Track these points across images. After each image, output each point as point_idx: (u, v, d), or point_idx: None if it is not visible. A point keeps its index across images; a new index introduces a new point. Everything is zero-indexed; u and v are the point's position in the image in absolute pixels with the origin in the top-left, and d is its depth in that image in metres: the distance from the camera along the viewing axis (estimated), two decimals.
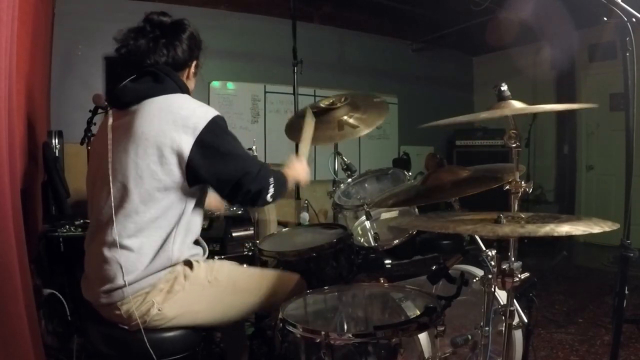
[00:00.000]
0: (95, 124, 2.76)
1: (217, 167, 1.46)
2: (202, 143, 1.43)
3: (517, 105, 1.25)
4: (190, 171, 1.44)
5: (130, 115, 1.47)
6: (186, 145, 1.41)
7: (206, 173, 1.45)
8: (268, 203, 1.56)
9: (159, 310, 1.44)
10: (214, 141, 1.44)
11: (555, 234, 1.02)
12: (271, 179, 1.56)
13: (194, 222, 1.56)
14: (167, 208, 1.45)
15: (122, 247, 1.41)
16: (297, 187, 3.57)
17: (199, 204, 1.56)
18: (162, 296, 1.46)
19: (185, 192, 1.47)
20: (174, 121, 1.42)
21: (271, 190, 1.55)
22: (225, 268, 1.64)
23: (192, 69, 1.62)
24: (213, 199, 1.93)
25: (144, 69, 1.51)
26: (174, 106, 1.46)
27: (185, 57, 1.56)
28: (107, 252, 1.42)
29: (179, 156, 1.42)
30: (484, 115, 1.26)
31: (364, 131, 2.20)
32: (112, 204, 1.44)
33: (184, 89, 1.55)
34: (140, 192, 1.42)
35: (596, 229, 1.05)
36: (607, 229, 1.07)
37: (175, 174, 1.43)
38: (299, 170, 1.81)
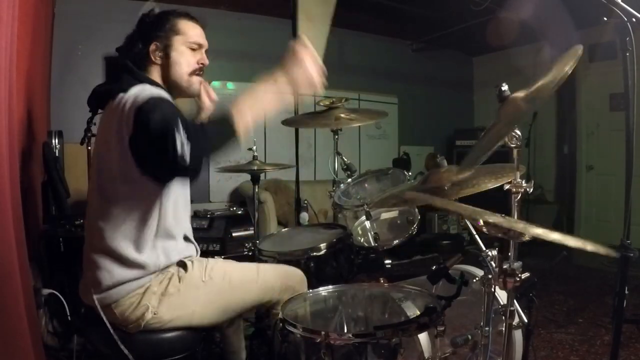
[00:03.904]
0: (95, 124, 2.75)
1: (139, 139, 1.34)
2: (136, 120, 1.34)
3: (520, 95, 1.25)
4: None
5: (103, 116, 1.51)
6: (127, 127, 1.36)
7: (134, 147, 1.36)
8: (181, 158, 1.22)
9: (154, 314, 1.44)
10: (145, 117, 1.31)
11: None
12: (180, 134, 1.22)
13: (177, 222, 1.54)
14: (137, 208, 1.43)
15: (105, 249, 1.42)
16: (297, 186, 3.54)
17: (177, 203, 1.54)
18: (156, 299, 1.46)
19: (154, 189, 1.45)
20: (126, 110, 1.38)
21: (179, 142, 1.21)
22: (219, 266, 1.63)
23: (155, 52, 1.55)
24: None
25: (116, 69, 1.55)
26: (125, 97, 1.42)
27: (140, 46, 1.54)
28: (93, 255, 1.44)
29: (123, 144, 1.37)
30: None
31: (359, 123, 2.35)
32: (91, 207, 1.46)
33: (143, 79, 1.52)
34: (109, 194, 1.43)
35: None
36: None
37: (129, 167, 1.39)
38: (296, 71, 1.38)
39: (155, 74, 1.58)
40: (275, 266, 1.73)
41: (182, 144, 1.21)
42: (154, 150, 1.30)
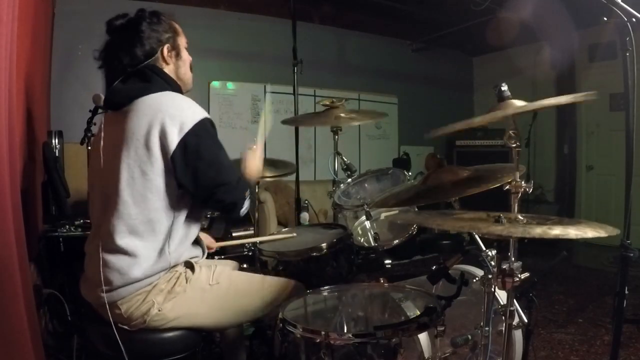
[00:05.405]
0: (95, 124, 2.75)
1: (195, 173, 1.44)
2: (185, 145, 1.41)
3: (519, 104, 1.25)
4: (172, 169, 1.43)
5: (122, 116, 1.48)
6: (172, 142, 1.41)
7: (183, 177, 1.43)
8: (239, 216, 1.56)
9: (159, 310, 1.45)
10: (197, 145, 1.43)
11: (573, 237, 1.00)
12: (247, 193, 1.55)
13: (192, 224, 1.56)
14: (160, 210, 1.44)
15: (118, 249, 1.42)
16: (297, 186, 3.55)
17: (193, 206, 1.55)
18: (162, 296, 1.47)
19: (177, 192, 1.47)
20: (162, 119, 1.42)
21: (246, 204, 1.54)
22: (226, 272, 1.65)
23: (166, 54, 1.57)
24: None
25: (130, 69, 1.52)
26: (163, 104, 1.45)
27: (152, 47, 1.54)
28: (104, 254, 1.43)
29: (165, 153, 1.41)
30: (484, 117, 1.25)
31: (359, 122, 2.33)
32: (106, 207, 1.45)
33: (173, 86, 1.55)
34: (133, 194, 1.42)
35: (602, 233, 1.04)
36: (611, 233, 1.05)
37: (164, 173, 1.43)
38: (251, 166, 1.77)
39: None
40: (277, 279, 1.73)
41: (246, 207, 1.55)
42: (213, 204, 1.53)
